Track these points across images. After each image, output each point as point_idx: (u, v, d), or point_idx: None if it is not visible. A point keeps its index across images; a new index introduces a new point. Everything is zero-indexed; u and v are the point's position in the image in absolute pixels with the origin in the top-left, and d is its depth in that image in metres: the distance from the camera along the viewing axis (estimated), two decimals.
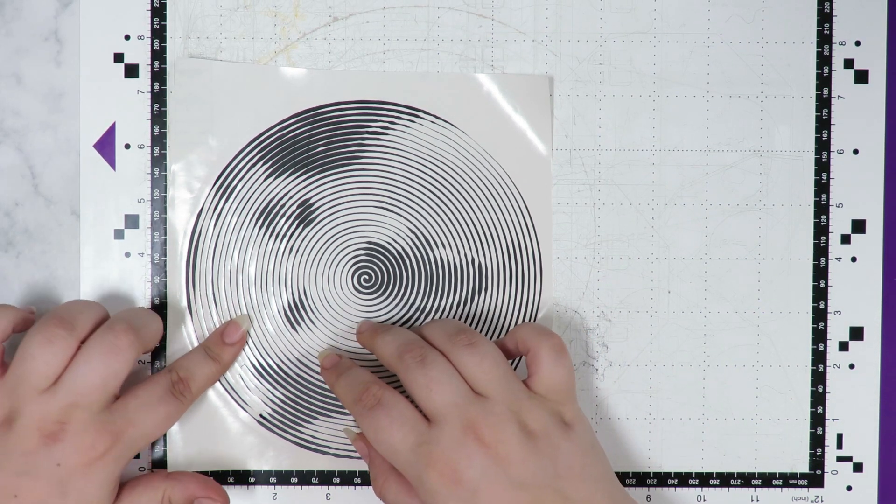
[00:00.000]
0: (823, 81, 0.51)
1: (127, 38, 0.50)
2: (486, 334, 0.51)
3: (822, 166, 0.51)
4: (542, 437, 0.43)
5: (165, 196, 0.50)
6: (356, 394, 0.46)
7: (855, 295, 0.51)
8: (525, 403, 0.44)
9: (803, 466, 0.51)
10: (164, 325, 0.50)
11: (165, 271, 0.50)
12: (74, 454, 0.43)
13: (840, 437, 0.51)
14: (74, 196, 0.50)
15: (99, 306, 0.47)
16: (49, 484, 0.43)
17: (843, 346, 0.51)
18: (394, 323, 0.51)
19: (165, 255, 0.50)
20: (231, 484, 0.51)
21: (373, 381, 0.46)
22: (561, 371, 0.45)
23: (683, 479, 0.51)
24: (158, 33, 0.50)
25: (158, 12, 0.50)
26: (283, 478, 0.51)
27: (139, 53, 0.50)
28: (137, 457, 0.50)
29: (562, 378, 0.45)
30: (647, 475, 0.51)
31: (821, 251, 0.51)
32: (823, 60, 0.51)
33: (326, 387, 0.51)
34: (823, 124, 0.51)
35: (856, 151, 0.51)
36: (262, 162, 0.50)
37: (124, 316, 0.46)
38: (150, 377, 0.47)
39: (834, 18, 0.51)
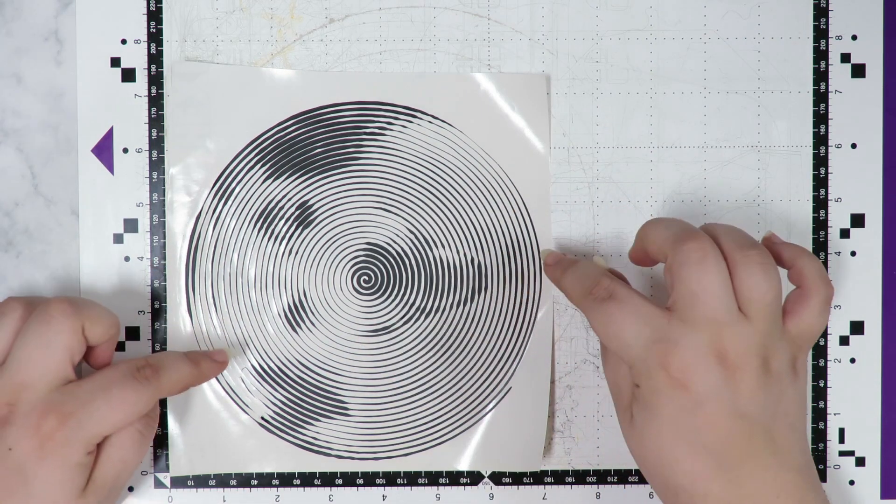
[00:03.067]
0: (820, 76, 0.51)
1: (123, 42, 0.50)
2: (486, 335, 0.51)
3: (821, 161, 0.51)
4: (776, 377, 0.42)
5: (164, 200, 0.50)
6: (586, 286, 0.44)
7: (855, 289, 0.51)
8: (776, 341, 0.43)
9: None
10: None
11: (165, 275, 0.50)
12: (24, 437, 0.43)
13: (842, 431, 0.51)
14: (74, 196, 0.51)
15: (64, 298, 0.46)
16: (8, 471, 0.43)
17: (844, 341, 0.51)
18: (394, 323, 0.51)
19: (165, 259, 0.50)
20: (233, 487, 0.51)
21: (604, 275, 0.44)
22: (821, 324, 0.44)
23: None
24: (155, 37, 0.50)
25: (155, 16, 0.50)
26: (286, 480, 0.51)
27: (136, 57, 0.50)
28: None
29: (817, 330, 0.44)
30: None
31: (820, 246, 0.51)
32: (820, 55, 0.51)
33: (328, 388, 0.51)
34: (821, 119, 0.51)
35: (854, 146, 0.51)
36: (261, 164, 0.50)
37: (64, 296, 0.46)
38: (115, 363, 0.46)
39: (830, 13, 0.51)
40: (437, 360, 0.51)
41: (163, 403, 0.50)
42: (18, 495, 0.43)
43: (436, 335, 0.51)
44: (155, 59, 0.50)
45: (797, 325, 0.43)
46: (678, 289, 0.42)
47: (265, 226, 0.50)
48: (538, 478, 0.51)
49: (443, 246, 0.51)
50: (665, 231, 0.44)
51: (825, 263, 0.51)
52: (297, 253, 0.51)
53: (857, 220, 0.51)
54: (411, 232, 0.51)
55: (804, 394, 0.44)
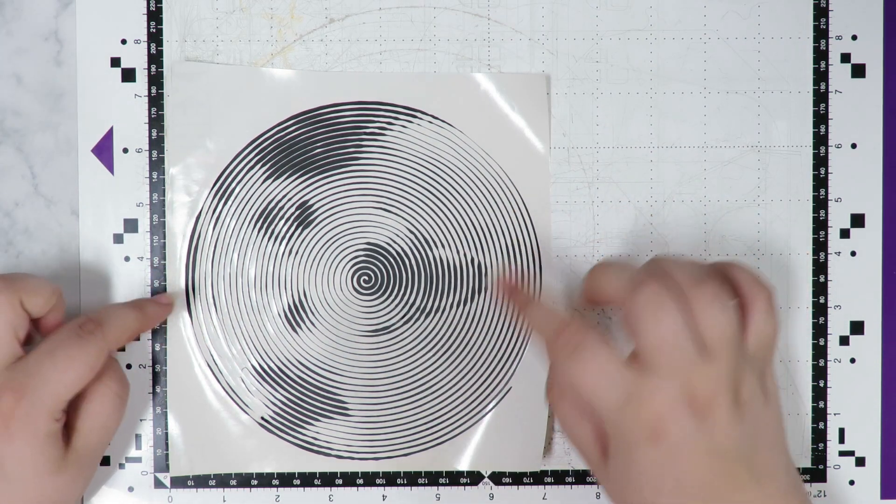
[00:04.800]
0: (820, 76, 0.51)
1: (123, 42, 0.50)
2: (486, 335, 0.51)
3: (821, 161, 0.51)
4: (749, 406, 0.42)
5: (164, 200, 0.50)
6: (553, 331, 0.43)
7: (855, 289, 0.51)
8: (742, 369, 0.42)
9: (805, 461, 0.51)
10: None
11: (165, 275, 0.50)
12: None
13: (842, 431, 0.51)
14: (74, 196, 0.51)
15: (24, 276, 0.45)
16: None
17: (844, 341, 0.51)
18: (394, 323, 0.51)
19: (165, 259, 0.50)
20: (233, 487, 0.51)
21: (568, 322, 0.43)
22: (772, 327, 0.43)
23: None
24: (155, 37, 0.50)
25: (155, 16, 0.50)
26: (286, 480, 0.51)
27: (136, 57, 0.50)
28: (139, 461, 0.50)
29: (771, 335, 0.43)
30: None
31: (820, 246, 0.51)
32: (820, 55, 0.51)
33: (328, 388, 0.51)
34: (821, 119, 0.51)
35: (854, 146, 0.51)
36: (261, 164, 0.50)
37: None
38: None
39: (830, 13, 0.51)
40: (437, 360, 0.51)
41: (163, 403, 0.50)
42: None
43: (436, 335, 0.51)
44: (155, 59, 0.50)
45: (751, 337, 0.43)
46: (641, 339, 0.41)
47: (265, 226, 0.50)
48: (538, 478, 0.51)
49: (443, 246, 0.51)
50: (618, 276, 0.43)
51: (825, 263, 0.51)
52: (297, 253, 0.51)
53: (857, 220, 0.51)
54: (411, 232, 0.51)
55: (778, 411, 0.44)
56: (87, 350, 0.44)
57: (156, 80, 0.50)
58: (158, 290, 0.50)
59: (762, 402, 0.42)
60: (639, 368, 0.41)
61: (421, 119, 0.50)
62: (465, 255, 0.51)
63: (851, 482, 0.51)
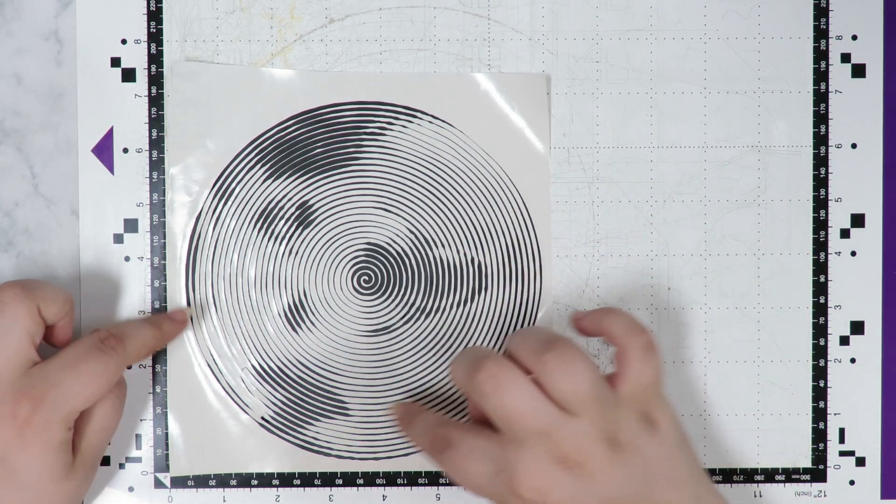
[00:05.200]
0: (820, 76, 0.51)
1: (123, 42, 0.50)
2: (486, 335, 0.51)
3: (821, 161, 0.51)
4: (631, 446, 0.42)
5: (164, 200, 0.50)
6: (427, 441, 0.45)
7: (855, 289, 0.51)
8: (613, 416, 0.42)
9: (806, 461, 0.51)
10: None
11: (165, 275, 0.50)
12: (1, 427, 0.42)
13: (842, 431, 0.51)
14: (74, 196, 0.51)
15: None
16: None
17: (844, 341, 0.51)
18: (394, 323, 0.51)
19: (165, 259, 0.50)
20: (233, 487, 0.51)
21: (438, 423, 0.45)
22: (650, 372, 0.43)
23: None
24: (155, 37, 0.50)
25: (155, 16, 0.50)
26: (286, 480, 0.51)
27: (136, 57, 0.50)
28: (139, 461, 0.50)
29: (651, 378, 0.43)
30: None
31: (820, 246, 0.51)
32: (820, 55, 0.51)
33: (328, 388, 0.51)
34: (821, 119, 0.51)
35: (854, 146, 0.51)
36: (261, 164, 0.50)
37: (13, 280, 0.45)
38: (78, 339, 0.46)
39: (830, 13, 0.51)
40: (437, 360, 0.51)
41: (163, 403, 0.50)
42: (5, 485, 0.43)
43: (436, 335, 0.51)
44: (155, 59, 0.50)
45: (627, 383, 0.43)
46: (492, 417, 0.42)
47: (265, 226, 0.50)
48: None
49: (443, 246, 0.51)
50: (459, 367, 0.44)
51: (825, 263, 0.51)
52: (297, 253, 0.51)
53: (857, 220, 0.51)
54: (411, 232, 0.51)
55: (674, 440, 0.44)
56: (108, 366, 0.44)
57: (156, 80, 0.50)
58: (158, 290, 0.50)
59: (648, 436, 0.43)
60: (503, 440, 0.42)
61: (421, 119, 0.50)
62: (465, 255, 0.51)
63: (851, 482, 0.51)
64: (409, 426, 0.47)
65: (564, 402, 0.42)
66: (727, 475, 0.51)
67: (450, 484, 0.51)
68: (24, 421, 0.42)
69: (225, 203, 0.50)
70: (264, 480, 0.51)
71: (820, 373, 0.51)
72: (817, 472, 0.51)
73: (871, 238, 0.51)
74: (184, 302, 0.50)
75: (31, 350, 0.44)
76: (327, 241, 0.51)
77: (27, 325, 0.44)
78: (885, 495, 0.51)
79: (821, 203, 0.51)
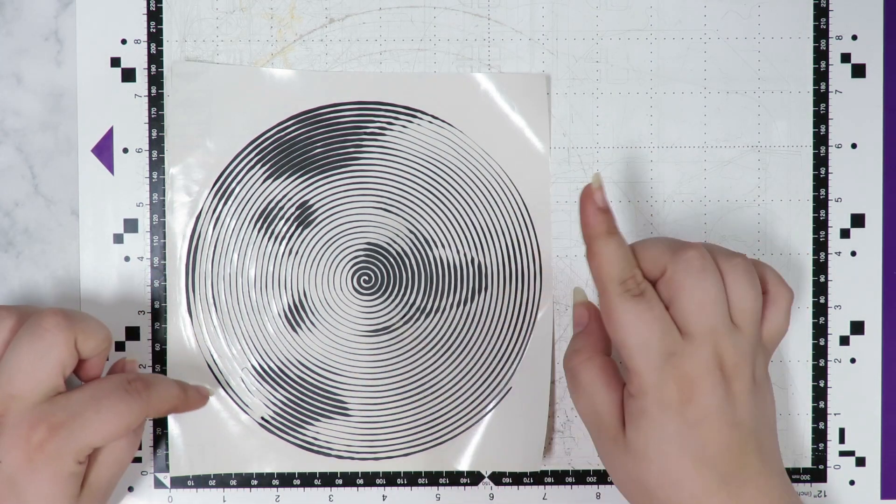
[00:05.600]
0: (821, 76, 0.51)
1: (123, 42, 0.50)
2: (486, 335, 0.51)
3: (821, 161, 0.51)
4: (759, 384, 0.43)
5: (164, 200, 0.50)
6: (621, 274, 0.43)
7: (855, 289, 0.51)
8: (759, 349, 0.44)
9: (806, 461, 0.51)
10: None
11: (165, 275, 0.50)
12: (13, 448, 0.42)
13: (842, 431, 0.51)
14: (74, 196, 0.51)
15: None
16: None
17: (844, 341, 0.51)
18: (394, 323, 0.51)
19: (165, 259, 0.50)
20: (233, 487, 0.51)
21: (638, 267, 0.43)
22: (786, 327, 0.45)
23: None
24: (155, 37, 0.50)
25: (155, 16, 0.50)
26: (286, 480, 0.51)
27: (136, 57, 0.50)
28: (139, 460, 0.50)
29: (782, 332, 0.45)
30: None
31: (820, 246, 0.51)
32: (820, 55, 0.51)
33: (328, 388, 0.51)
34: (821, 119, 0.51)
35: (854, 146, 0.51)
36: (261, 164, 0.50)
37: (57, 307, 0.45)
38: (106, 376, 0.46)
39: (830, 13, 0.51)
40: (437, 360, 0.51)
41: None
42: None
43: (436, 335, 0.51)
44: (155, 59, 0.50)
45: (768, 329, 0.44)
46: (682, 298, 0.42)
47: (265, 226, 0.50)
48: (538, 478, 0.51)
49: (443, 246, 0.51)
50: (659, 245, 0.44)
51: (825, 263, 0.51)
52: (297, 253, 0.51)
53: (857, 220, 0.51)
54: (411, 232, 0.51)
55: (773, 400, 0.45)
56: (130, 408, 0.44)
57: (156, 80, 0.50)
58: (158, 290, 0.50)
59: (768, 384, 0.44)
60: (682, 333, 0.42)
61: (421, 119, 0.50)
62: (465, 255, 0.51)
63: (851, 482, 0.51)
64: (601, 240, 0.43)
65: (739, 311, 0.43)
66: None
67: (450, 484, 0.51)
68: (37, 446, 0.42)
69: (225, 203, 0.50)
70: (264, 480, 0.51)
71: (820, 373, 0.51)
72: (817, 472, 0.51)
73: (871, 238, 0.51)
74: (184, 302, 0.50)
75: (60, 380, 0.44)
76: (327, 241, 0.51)
77: (62, 355, 0.44)
78: (885, 495, 0.51)
79: (821, 203, 0.51)
